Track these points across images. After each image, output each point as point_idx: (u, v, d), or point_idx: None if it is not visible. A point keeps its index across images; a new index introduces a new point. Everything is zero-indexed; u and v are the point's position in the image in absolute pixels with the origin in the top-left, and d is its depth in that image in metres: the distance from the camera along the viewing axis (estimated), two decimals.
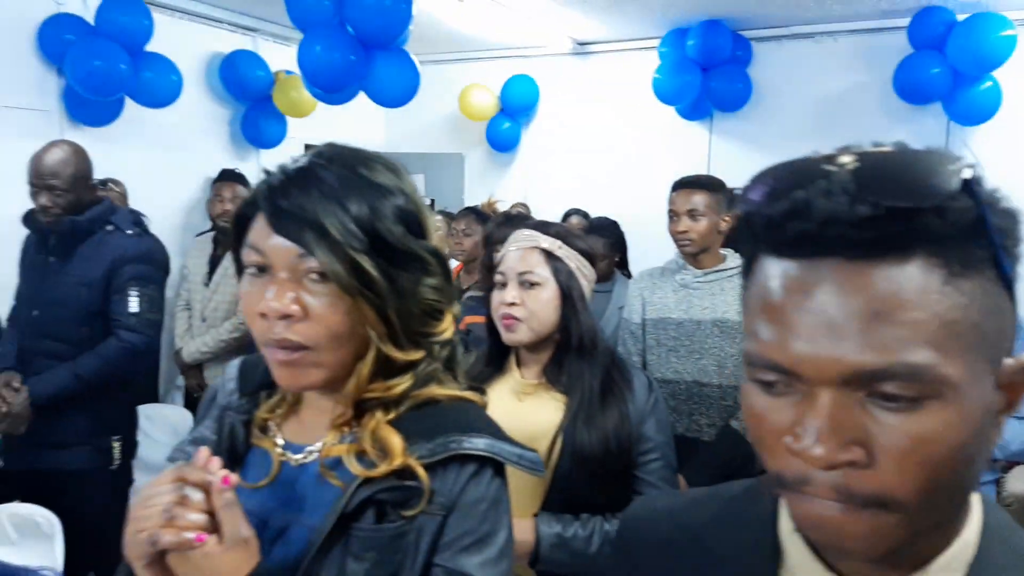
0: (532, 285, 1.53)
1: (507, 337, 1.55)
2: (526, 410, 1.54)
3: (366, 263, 0.79)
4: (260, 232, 0.82)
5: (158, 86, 4.10)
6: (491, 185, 6.02)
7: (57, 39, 3.85)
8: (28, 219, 2.83)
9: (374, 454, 0.81)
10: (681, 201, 2.43)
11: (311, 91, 3.73)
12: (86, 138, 4.06)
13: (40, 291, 2.64)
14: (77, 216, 2.62)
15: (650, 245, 4.07)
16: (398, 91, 3.67)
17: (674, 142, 5.25)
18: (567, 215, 4.61)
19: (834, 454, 0.50)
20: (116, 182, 3.98)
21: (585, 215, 4.53)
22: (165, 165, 4.62)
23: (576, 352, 1.54)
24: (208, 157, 4.88)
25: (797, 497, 0.53)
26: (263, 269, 0.82)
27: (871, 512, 0.51)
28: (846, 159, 0.52)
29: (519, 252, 1.56)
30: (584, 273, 1.57)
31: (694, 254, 2.45)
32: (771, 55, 4.95)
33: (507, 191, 5.87)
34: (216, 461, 0.77)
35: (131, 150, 4.39)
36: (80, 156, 2.67)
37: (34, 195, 2.61)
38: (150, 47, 4.11)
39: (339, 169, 0.82)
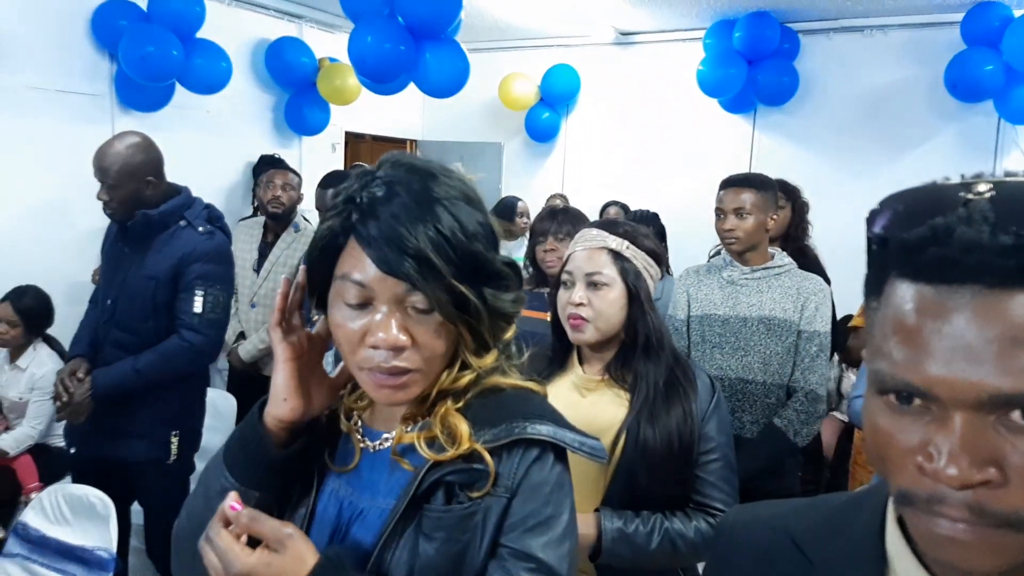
0: (599, 286, 1.54)
1: (573, 336, 1.56)
2: (588, 405, 1.56)
3: (467, 291, 0.83)
4: (356, 263, 0.83)
5: (208, 72, 4.16)
6: (529, 175, 6.03)
7: (111, 25, 3.93)
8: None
9: (443, 439, 0.86)
10: (728, 199, 2.42)
11: (363, 82, 3.76)
12: (136, 123, 4.14)
13: (114, 280, 2.63)
14: (150, 210, 2.59)
15: (690, 238, 4.06)
16: (447, 81, 3.68)
17: (716, 135, 5.21)
18: (606, 207, 4.60)
19: (969, 474, 0.51)
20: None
21: (624, 207, 4.52)
22: (210, 151, 4.69)
23: (642, 351, 1.54)
24: (251, 143, 4.95)
25: (926, 516, 0.54)
26: (364, 299, 0.83)
27: (1001, 532, 0.52)
28: (982, 187, 0.53)
29: (586, 252, 1.56)
30: (651, 273, 1.58)
31: (740, 252, 2.44)
32: (819, 48, 4.89)
33: (545, 181, 5.88)
34: (231, 495, 0.85)
35: (178, 135, 4.46)
36: (135, 149, 2.57)
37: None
38: (200, 33, 4.16)
39: (420, 190, 0.83)
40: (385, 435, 0.93)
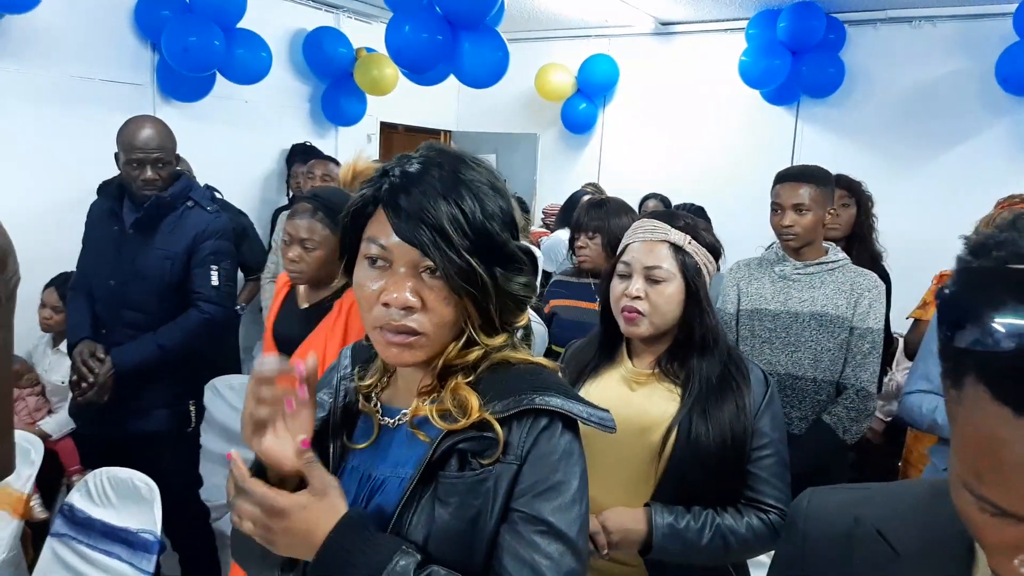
0: (658, 280, 1.50)
1: (627, 329, 1.53)
2: (639, 399, 1.53)
3: (476, 264, 0.88)
4: (381, 228, 0.91)
5: (249, 63, 4.17)
6: (564, 166, 5.99)
7: (153, 16, 3.95)
8: (103, 189, 2.91)
9: (455, 411, 0.91)
10: (787, 194, 2.36)
11: (404, 73, 3.74)
12: (176, 113, 4.18)
13: (118, 262, 2.69)
14: (161, 192, 2.66)
15: (729, 231, 3.99)
16: (486, 71, 3.66)
17: (757, 127, 5.13)
18: (645, 199, 4.55)
19: None
20: (181, 159, 4.07)
21: (663, 199, 4.47)
22: (247, 141, 4.72)
23: (696, 348, 1.51)
24: (288, 133, 4.97)
25: None
26: (384, 262, 0.91)
27: None
28: None
29: (646, 244, 1.53)
30: (708, 269, 1.54)
31: (797, 248, 2.39)
32: (865, 39, 4.78)
33: (581, 173, 5.84)
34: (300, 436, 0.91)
35: (217, 126, 4.49)
36: (171, 131, 2.73)
37: (136, 167, 2.62)
38: (240, 24, 4.18)
39: (450, 172, 0.90)
40: (403, 411, 0.98)
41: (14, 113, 3.61)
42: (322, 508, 0.86)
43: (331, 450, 1.00)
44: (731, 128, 5.21)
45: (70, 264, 3.39)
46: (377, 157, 5.80)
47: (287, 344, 2.10)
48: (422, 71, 3.64)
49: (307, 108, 5.16)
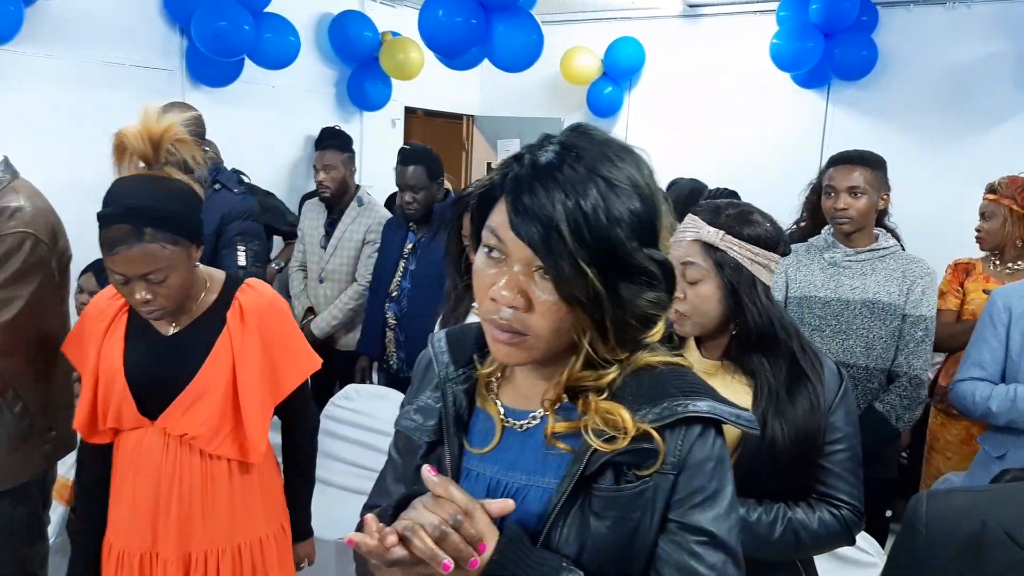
0: (692, 281, 1.47)
1: (676, 329, 1.51)
2: None
3: (592, 274, 0.80)
4: (500, 221, 0.85)
5: (277, 47, 4.15)
6: None
7: (183, 1, 3.91)
8: None
9: (605, 427, 0.86)
10: (840, 177, 2.34)
11: (440, 59, 3.70)
12: (205, 98, 4.16)
13: None
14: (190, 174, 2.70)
15: None
16: (520, 54, 3.61)
17: (787, 111, 5.08)
18: (671, 184, 4.51)
19: None
20: (209, 142, 4.05)
21: (695, 184, 4.41)
22: (274, 126, 4.70)
23: (756, 344, 1.48)
24: (314, 119, 4.94)
25: None
26: (499, 254, 0.86)
27: None
28: None
29: (681, 243, 1.48)
30: (759, 261, 1.47)
31: (850, 233, 2.37)
32: (899, 21, 4.71)
33: None
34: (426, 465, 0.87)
35: (244, 111, 4.47)
36: (196, 118, 2.76)
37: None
38: (268, 8, 4.15)
39: (586, 171, 0.82)
40: (532, 414, 0.94)
41: (46, 97, 3.61)
42: (476, 530, 0.82)
43: (447, 456, 0.96)
44: (760, 112, 5.16)
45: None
46: (401, 143, 5.78)
47: (156, 385, 1.65)
48: (455, 55, 3.61)
49: (332, 93, 5.14)
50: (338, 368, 3.58)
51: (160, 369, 1.65)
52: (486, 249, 0.87)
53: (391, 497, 0.99)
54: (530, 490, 0.91)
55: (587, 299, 0.82)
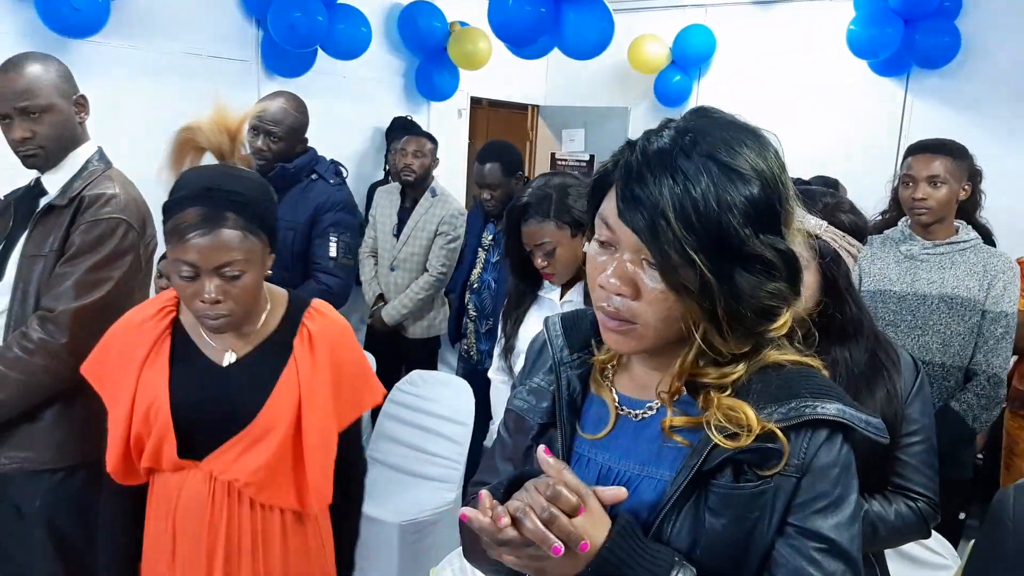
0: None
1: None
2: None
3: (701, 262, 0.78)
4: (610, 209, 0.84)
5: (349, 38, 4.21)
6: None
7: None
8: None
9: (726, 424, 0.83)
10: (920, 166, 2.27)
11: (511, 49, 3.70)
12: (278, 88, 4.24)
13: None
14: (286, 164, 2.76)
15: None
16: (591, 42, 3.59)
17: (863, 100, 4.91)
18: None
19: None
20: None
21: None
22: (344, 116, 4.77)
23: (837, 337, 1.45)
24: (383, 109, 5.01)
25: None
26: (610, 242, 0.85)
27: None
28: None
29: None
30: (851, 252, 1.46)
31: (928, 224, 2.29)
32: (983, 6, 4.50)
33: None
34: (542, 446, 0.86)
35: (316, 100, 4.53)
36: (301, 111, 2.84)
37: (252, 136, 2.77)
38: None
39: (699, 156, 0.79)
40: (648, 404, 0.92)
41: (128, 87, 3.75)
42: (589, 518, 0.81)
43: (559, 439, 0.94)
44: (835, 100, 5.00)
45: None
46: (467, 133, 5.82)
47: (207, 423, 1.41)
48: (524, 44, 3.61)
49: (401, 83, 5.19)
50: (405, 354, 3.66)
51: (213, 405, 1.41)
52: (598, 237, 0.87)
53: (499, 475, 1.00)
54: (643, 480, 0.89)
55: (696, 288, 0.79)
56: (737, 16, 5.42)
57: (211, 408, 1.41)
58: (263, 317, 1.48)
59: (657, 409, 0.91)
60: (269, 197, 1.46)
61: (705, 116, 0.85)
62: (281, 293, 1.55)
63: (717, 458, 0.83)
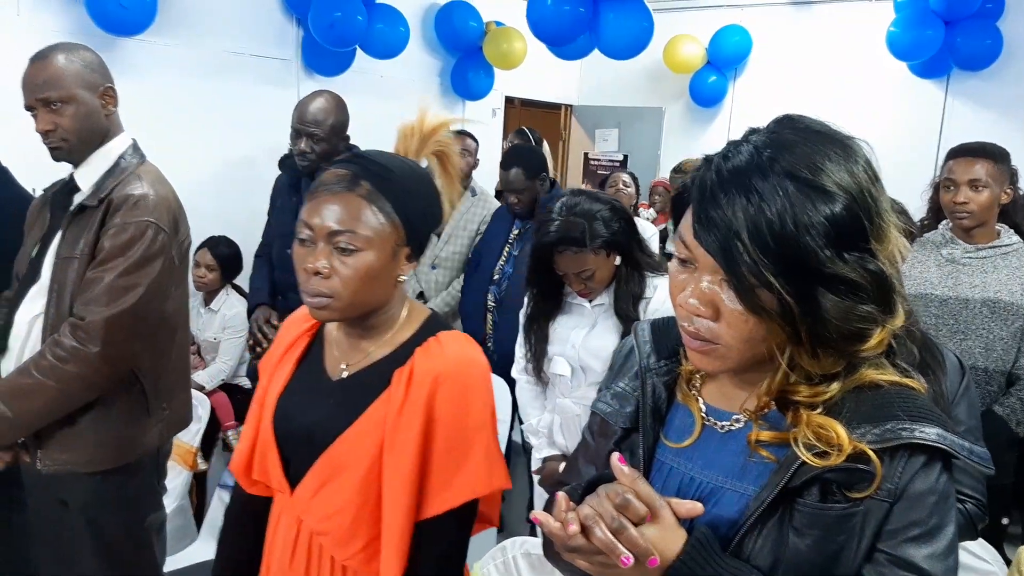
0: None
1: None
2: None
3: (779, 286, 0.75)
4: (687, 229, 0.82)
5: (388, 37, 4.27)
6: (691, 141, 5.86)
7: None
8: (283, 163, 3.04)
9: (816, 442, 0.80)
10: (961, 170, 2.25)
11: (551, 49, 3.72)
12: (317, 87, 4.28)
13: (294, 232, 2.84)
14: (331, 163, 2.78)
15: None
16: (629, 41, 3.59)
17: (902, 102, 4.87)
18: None
19: None
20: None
21: None
22: (381, 115, 4.78)
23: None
24: (418, 108, 5.03)
25: None
26: (689, 261, 0.83)
27: None
28: None
29: None
30: (902, 254, 1.46)
31: (970, 228, 2.28)
32: None
33: (708, 147, 5.66)
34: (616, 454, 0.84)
35: (354, 99, 4.58)
36: (341, 108, 2.83)
37: (295, 139, 2.78)
38: None
39: (777, 174, 0.76)
40: (735, 416, 0.90)
41: (172, 86, 3.83)
42: (662, 531, 0.79)
43: (641, 446, 0.93)
44: (873, 102, 4.96)
45: (220, 227, 3.61)
46: (501, 132, 5.84)
47: (302, 441, 1.25)
48: (562, 44, 3.63)
49: (437, 82, 5.23)
50: None
51: (309, 420, 1.25)
52: (677, 254, 0.85)
53: (581, 477, 1.00)
54: (725, 493, 0.87)
55: (776, 311, 0.76)
56: (774, 16, 5.39)
57: (306, 424, 1.25)
58: (390, 333, 1.26)
59: (744, 422, 0.89)
60: (423, 193, 1.26)
61: (789, 127, 0.82)
62: (422, 312, 1.31)
63: (804, 476, 0.80)
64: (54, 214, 1.93)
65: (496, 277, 3.38)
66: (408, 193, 1.21)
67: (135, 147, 1.96)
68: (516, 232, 3.37)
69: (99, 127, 1.89)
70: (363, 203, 1.16)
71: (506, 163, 3.27)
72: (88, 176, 1.90)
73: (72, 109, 1.82)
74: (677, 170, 4.67)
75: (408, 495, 1.16)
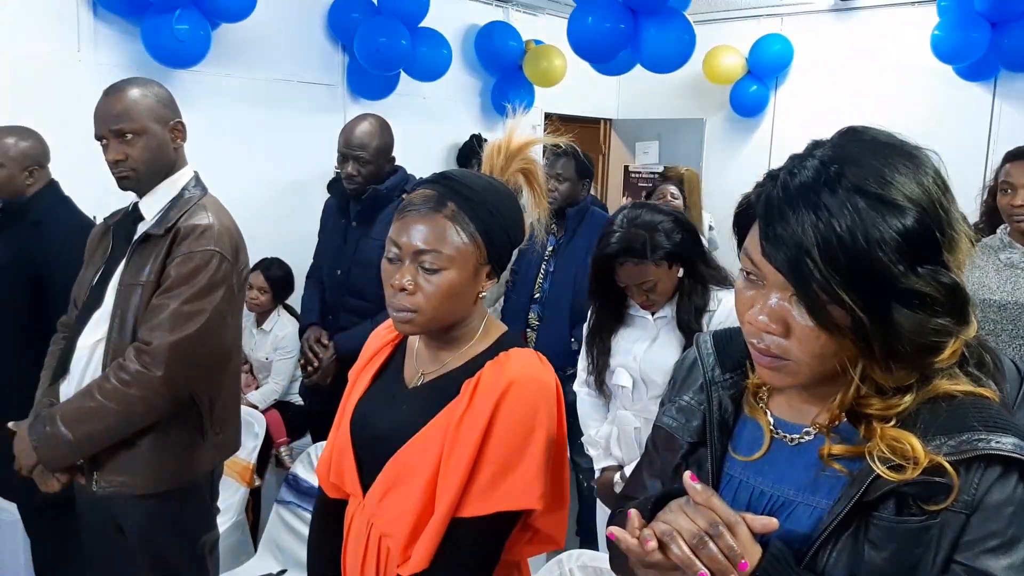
0: None
1: None
2: None
3: (850, 301, 0.74)
4: (754, 245, 0.82)
5: (431, 60, 4.34)
6: (732, 152, 5.84)
7: (344, 19, 4.19)
8: (332, 186, 3.12)
9: (895, 457, 0.80)
10: (1018, 173, 2.23)
11: (595, 67, 3.75)
12: (363, 111, 4.38)
13: (343, 253, 2.90)
14: (378, 185, 2.82)
15: None
16: (672, 55, 3.60)
17: (949, 106, 4.80)
18: None
19: None
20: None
21: None
22: (426, 136, 4.90)
23: None
24: (460, 128, 5.13)
25: None
26: (756, 278, 0.83)
27: None
28: None
29: None
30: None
31: None
32: None
33: (750, 158, 5.67)
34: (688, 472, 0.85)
35: (398, 121, 4.67)
36: (385, 130, 2.89)
37: (342, 162, 2.85)
38: (422, 23, 4.35)
39: (845, 190, 0.75)
40: (805, 429, 0.89)
41: (225, 114, 3.94)
42: (739, 543, 0.80)
43: (708, 460, 0.94)
44: (919, 106, 4.89)
45: (272, 250, 3.70)
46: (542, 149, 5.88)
47: (375, 446, 1.31)
48: (603, 60, 3.66)
49: (478, 102, 5.31)
50: None
51: (383, 425, 1.31)
52: (743, 269, 0.84)
53: (645, 491, 1.01)
54: (797, 507, 0.87)
55: (848, 326, 0.76)
56: (815, 24, 5.36)
57: (378, 429, 1.31)
58: (467, 346, 1.30)
59: (814, 434, 0.88)
60: (506, 212, 1.29)
61: (854, 140, 0.81)
62: (499, 328, 1.37)
63: (879, 489, 0.79)
64: (116, 242, 1.99)
65: (537, 296, 3.40)
66: (491, 212, 1.25)
67: (197, 179, 2.03)
68: (551, 249, 3.38)
69: (167, 159, 1.95)
70: (447, 223, 1.21)
71: (559, 153, 3.29)
72: (153, 206, 1.96)
73: (143, 141, 1.89)
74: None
75: (453, 495, 1.19)
